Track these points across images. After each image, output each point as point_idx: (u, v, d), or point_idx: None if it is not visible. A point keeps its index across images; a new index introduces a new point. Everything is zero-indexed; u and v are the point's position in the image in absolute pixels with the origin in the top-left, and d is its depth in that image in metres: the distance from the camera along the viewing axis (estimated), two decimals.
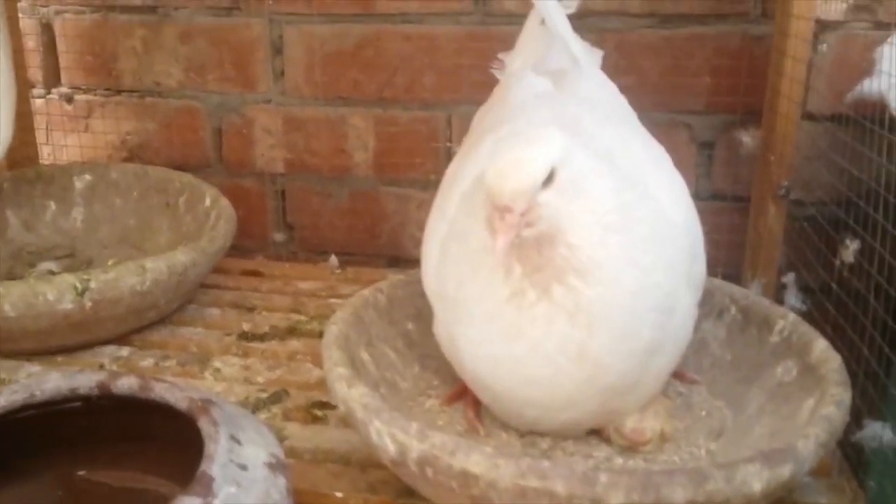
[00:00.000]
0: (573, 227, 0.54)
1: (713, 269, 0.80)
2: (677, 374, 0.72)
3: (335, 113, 1.12)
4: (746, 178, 1.02)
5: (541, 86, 0.74)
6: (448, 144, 1.10)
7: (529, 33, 0.84)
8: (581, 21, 1.00)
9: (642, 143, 0.69)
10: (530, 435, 0.66)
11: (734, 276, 0.96)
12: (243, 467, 0.47)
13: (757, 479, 0.46)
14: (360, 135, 1.13)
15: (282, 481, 0.48)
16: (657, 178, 0.63)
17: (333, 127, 1.13)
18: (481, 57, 1.04)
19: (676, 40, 1.02)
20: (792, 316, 0.67)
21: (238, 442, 0.49)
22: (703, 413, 0.68)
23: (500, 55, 0.89)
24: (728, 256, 1.02)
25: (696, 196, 1.03)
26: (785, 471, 0.47)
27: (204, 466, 0.45)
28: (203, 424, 0.50)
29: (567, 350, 0.56)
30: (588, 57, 0.81)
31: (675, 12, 1.01)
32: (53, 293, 0.75)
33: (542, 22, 0.80)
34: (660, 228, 0.59)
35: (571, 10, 0.83)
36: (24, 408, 0.53)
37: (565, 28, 0.79)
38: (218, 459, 0.46)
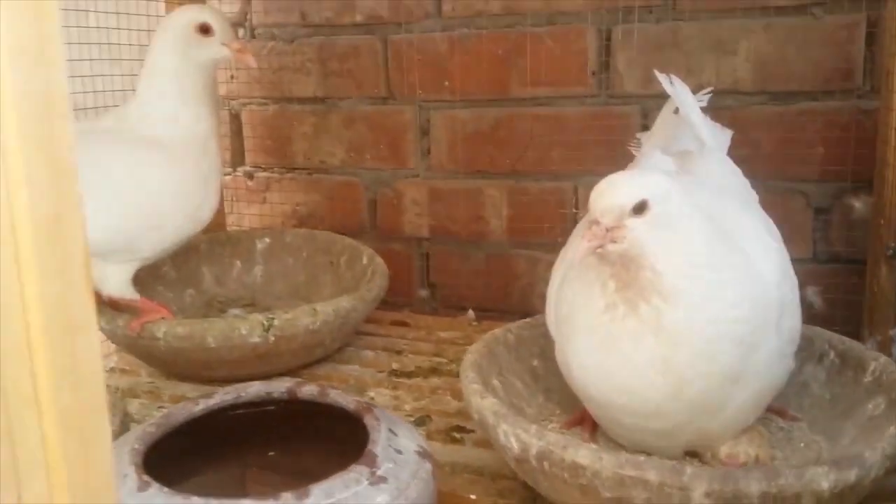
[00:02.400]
0: (658, 256, 0.64)
1: (832, 326, 0.87)
2: (780, 412, 0.80)
3: (473, 185, 1.27)
4: (862, 242, 1.07)
5: (665, 164, 0.83)
6: (574, 211, 1.22)
7: (664, 118, 0.94)
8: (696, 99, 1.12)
9: (749, 215, 0.77)
10: None
11: (854, 335, 1.00)
12: (398, 451, 0.60)
13: (825, 479, 0.54)
14: (495, 204, 1.27)
15: (428, 466, 0.61)
16: (755, 244, 0.72)
17: (471, 197, 1.28)
18: (604, 132, 1.17)
19: (788, 115, 1.10)
20: (883, 358, 0.74)
21: (395, 434, 0.62)
22: (802, 445, 0.75)
23: (637, 135, 1.00)
24: (847, 315, 1.07)
25: (815, 259, 1.11)
26: (851, 475, 0.54)
27: (370, 447, 0.59)
28: (368, 420, 0.63)
29: (654, 364, 0.65)
30: (717, 139, 0.89)
31: (786, 89, 1.09)
32: (246, 328, 0.92)
33: (676, 111, 0.90)
34: (748, 277, 0.67)
35: (703, 104, 0.92)
36: (233, 406, 0.69)
37: (696, 115, 0.87)
38: (380, 443, 0.59)
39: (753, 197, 0.84)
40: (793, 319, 0.72)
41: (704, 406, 0.67)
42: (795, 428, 0.78)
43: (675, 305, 0.64)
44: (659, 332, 0.64)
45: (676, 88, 0.86)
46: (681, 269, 0.64)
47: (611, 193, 0.65)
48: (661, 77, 0.85)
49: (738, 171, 0.86)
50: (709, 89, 0.95)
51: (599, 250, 0.65)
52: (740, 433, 0.71)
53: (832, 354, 0.80)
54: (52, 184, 0.32)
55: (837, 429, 0.74)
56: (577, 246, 0.65)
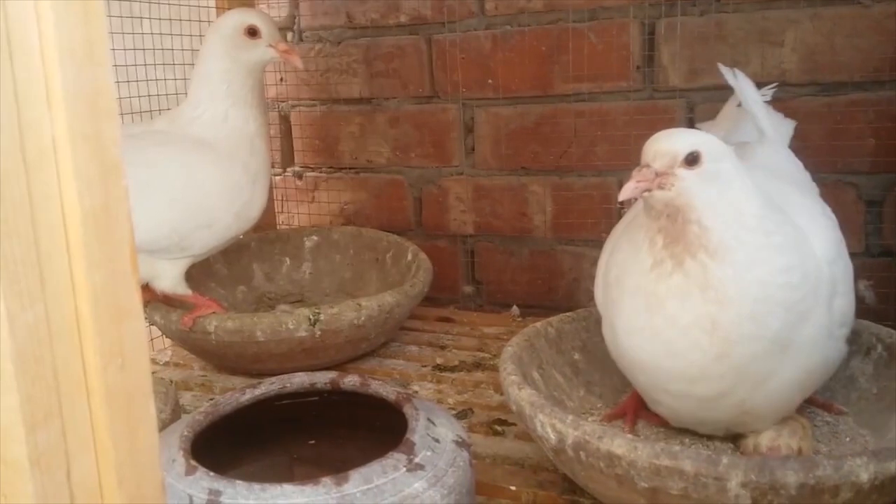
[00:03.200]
0: (706, 210, 0.65)
1: (885, 320, 0.86)
2: (826, 406, 0.79)
3: (517, 181, 1.28)
4: None
5: None
6: (618, 206, 1.22)
7: (727, 111, 0.94)
8: None
9: (805, 198, 0.77)
10: None
11: None
12: (436, 440, 0.61)
13: (864, 471, 0.53)
14: (539, 200, 1.27)
15: (465, 455, 0.62)
16: (809, 221, 0.72)
17: (516, 194, 1.29)
18: (649, 127, 1.15)
19: (837, 106, 1.08)
20: None
21: (433, 423, 0.63)
22: (848, 439, 0.74)
23: (698, 125, 0.99)
24: None
25: (867, 252, 1.09)
26: (892, 466, 0.53)
27: (408, 435, 0.60)
28: (407, 409, 0.65)
29: (701, 323, 0.65)
30: (779, 131, 0.89)
31: (834, 80, 1.07)
32: (293, 323, 0.95)
33: (739, 105, 0.90)
34: (800, 248, 0.67)
35: (767, 98, 0.92)
36: (278, 396, 0.71)
37: (759, 107, 0.87)
38: (418, 432, 0.61)
39: (814, 189, 0.84)
40: (844, 300, 0.71)
41: (750, 372, 0.66)
42: (841, 422, 0.77)
43: (722, 262, 0.64)
44: (706, 289, 0.64)
45: (739, 81, 0.86)
46: (729, 227, 0.65)
47: (666, 139, 0.66)
48: (725, 70, 0.86)
49: (799, 164, 0.86)
50: (774, 84, 0.95)
51: (647, 194, 0.65)
52: (783, 424, 0.71)
53: (879, 348, 0.79)
54: (99, 178, 0.34)
55: (884, 422, 0.72)
56: (625, 186, 0.65)
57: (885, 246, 1.09)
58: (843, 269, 0.72)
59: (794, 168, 0.85)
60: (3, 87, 0.31)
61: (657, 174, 0.65)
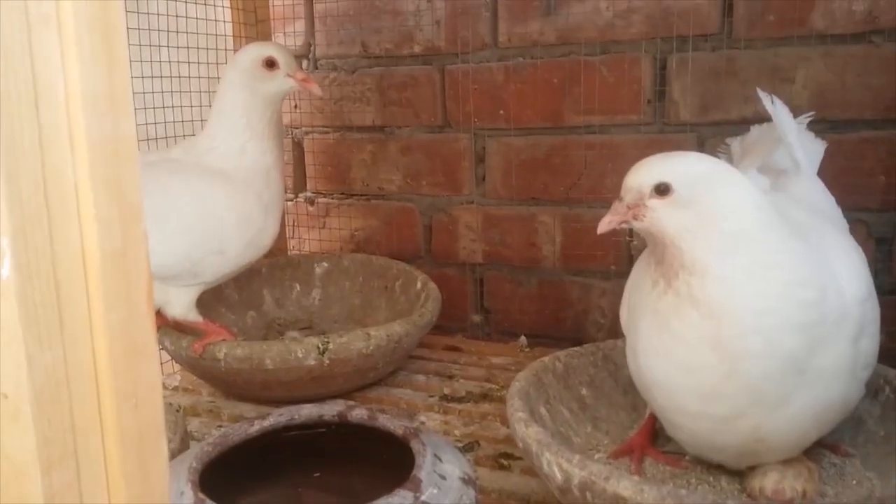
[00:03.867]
0: (681, 233, 0.66)
1: (894, 362, 0.85)
2: (833, 447, 0.78)
3: (527, 211, 1.29)
4: None
5: (762, 183, 0.83)
6: (628, 239, 1.22)
7: (762, 137, 0.94)
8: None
9: (837, 234, 0.77)
10: None
11: None
12: (443, 477, 0.62)
13: None
14: (548, 230, 1.28)
15: (472, 493, 0.62)
16: (841, 257, 0.72)
17: (525, 224, 1.29)
18: None
19: (848, 143, 1.08)
20: None
21: (440, 460, 0.64)
22: (854, 482, 0.74)
23: (727, 140, 1.00)
24: None
25: (878, 290, 1.08)
26: None
27: (415, 472, 0.60)
28: (414, 445, 0.65)
29: (705, 339, 0.66)
30: (811, 157, 0.90)
31: (845, 117, 1.08)
32: (302, 351, 0.95)
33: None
34: (816, 268, 0.67)
35: (804, 126, 0.93)
36: (287, 428, 0.72)
37: (793, 137, 0.88)
38: (425, 468, 0.61)
39: (845, 225, 0.84)
40: (870, 341, 0.71)
41: (763, 394, 0.66)
42: (848, 464, 0.77)
43: (704, 278, 0.66)
44: (699, 306, 0.66)
45: (777, 109, 0.87)
46: (708, 244, 0.66)
47: (634, 173, 0.69)
48: (764, 96, 0.87)
49: (831, 198, 0.87)
50: (810, 113, 0.95)
51: (625, 225, 0.69)
52: (788, 466, 0.70)
53: (887, 390, 0.78)
54: (119, 222, 0.35)
55: (891, 466, 0.72)
56: (602, 220, 0.70)
57: (894, 284, 1.09)
58: (871, 309, 0.72)
59: (826, 203, 0.86)
60: (28, 134, 0.32)
61: (629, 207, 0.68)
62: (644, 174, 0.68)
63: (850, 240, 0.78)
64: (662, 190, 0.67)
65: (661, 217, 0.67)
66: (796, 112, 1.09)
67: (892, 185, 1.07)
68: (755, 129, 0.97)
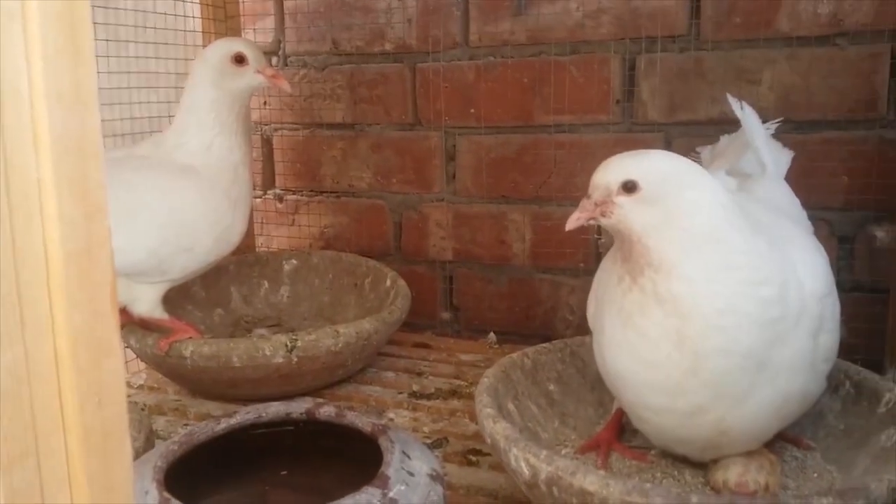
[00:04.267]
0: (647, 231, 0.67)
1: (854, 356, 0.87)
2: (795, 440, 0.80)
3: (497, 209, 1.29)
4: (885, 271, 1.07)
5: (729, 183, 0.84)
6: (596, 237, 1.23)
7: (731, 142, 0.96)
8: (719, 128, 1.13)
9: (797, 231, 0.79)
10: None
11: (877, 364, 1.00)
12: (411, 474, 0.62)
13: None
14: (518, 228, 1.28)
15: (440, 489, 0.62)
16: (802, 255, 0.73)
17: (495, 221, 1.30)
18: None
19: (812, 144, 1.10)
20: None
21: (408, 456, 0.64)
22: (815, 475, 0.75)
23: (697, 148, 1.01)
24: (870, 345, 1.06)
25: (839, 287, 1.10)
26: None
27: (383, 469, 0.61)
28: (382, 442, 0.65)
29: (668, 336, 0.67)
30: (778, 163, 0.92)
31: (809, 118, 1.10)
32: (270, 349, 0.95)
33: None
34: (778, 267, 0.68)
35: (771, 132, 0.95)
36: (254, 426, 0.71)
37: (761, 142, 0.90)
38: (393, 465, 0.61)
39: (809, 227, 0.86)
40: (830, 336, 0.73)
41: (725, 389, 0.67)
42: (809, 457, 0.78)
43: (668, 276, 0.66)
44: (663, 303, 0.67)
45: (746, 115, 0.89)
46: (673, 243, 0.67)
47: (602, 170, 0.70)
48: (733, 101, 0.88)
49: (797, 201, 0.89)
50: (778, 119, 0.97)
51: (592, 222, 0.70)
52: (750, 459, 0.72)
53: (847, 384, 0.80)
54: (83, 220, 0.35)
55: (851, 459, 0.74)
56: (570, 217, 0.71)
57: (855, 282, 1.11)
58: (831, 306, 0.74)
59: (791, 204, 0.88)
60: None
61: (597, 204, 0.69)
62: (612, 171, 0.69)
63: (812, 239, 0.80)
64: (630, 187, 0.68)
65: (627, 214, 0.68)
66: (762, 113, 1.11)
67: (854, 185, 1.09)
68: (724, 139, 0.98)
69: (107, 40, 1.11)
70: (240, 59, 1.03)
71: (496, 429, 0.68)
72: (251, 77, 1.04)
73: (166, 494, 0.56)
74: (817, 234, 1.10)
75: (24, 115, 0.33)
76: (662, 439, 0.76)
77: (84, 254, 0.35)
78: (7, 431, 0.33)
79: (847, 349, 1.01)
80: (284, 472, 0.72)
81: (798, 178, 1.10)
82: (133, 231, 0.94)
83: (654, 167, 0.69)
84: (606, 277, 0.75)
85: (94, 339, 0.36)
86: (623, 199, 0.68)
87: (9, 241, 0.32)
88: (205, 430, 0.68)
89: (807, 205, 1.10)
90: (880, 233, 1.07)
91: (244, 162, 1.06)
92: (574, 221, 0.71)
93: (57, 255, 0.34)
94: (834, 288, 0.75)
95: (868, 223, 1.09)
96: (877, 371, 0.86)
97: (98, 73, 0.37)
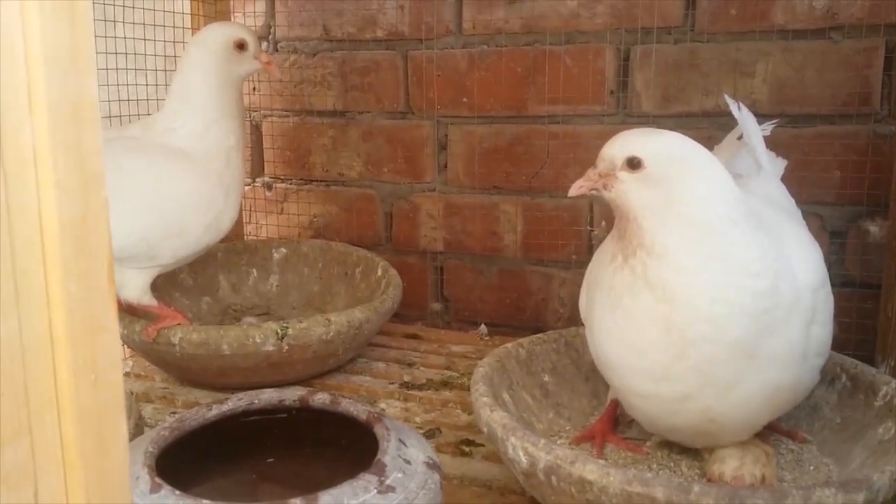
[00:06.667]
0: (644, 211, 0.67)
1: (845, 350, 0.87)
2: (790, 433, 0.80)
3: (489, 200, 1.28)
4: (877, 266, 1.07)
5: None
6: (589, 228, 1.23)
7: (728, 142, 0.96)
8: (713, 120, 1.12)
9: (793, 224, 0.79)
10: None
11: (867, 360, 0.99)
12: (407, 462, 0.61)
13: (832, 501, 0.54)
14: (509, 219, 1.27)
15: (436, 477, 0.61)
16: (797, 248, 0.73)
17: (487, 212, 1.29)
18: None
19: (805, 137, 1.10)
20: (894, 382, 0.74)
21: (404, 444, 0.63)
22: (812, 468, 0.75)
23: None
24: (861, 340, 1.06)
25: (832, 282, 1.10)
26: (859, 497, 0.54)
27: (379, 456, 0.59)
28: (378, 430, 0.64)
29: (657, 321, 0.66)
30: (773, 166, 0.92)
31: (803, 112, 1.10)
32: (260, 336, 0.93)
33: (740, 137, 0.92)
34: (773, 260, 0.68)
35: (766, 133, 0.94)
36: (246, 413, 0.70)
37: (757, 141, 0.89)
38: (390, 453, 0.60)
39: (803, 222, 0.85)
40: (823, 329, 0.72)
41: (713, 377, 0.67)
42: (805, 450, 0.78)
43: (660, 261, 0.66)
44: (653, 288, 0.66)
45: (742, 114, 0.88)
46: (670, 228, 0.66)
47: (611, 143, 0.70)
48: (730, 102, 0.88)
49: (791, 199, 0.88)
50: (775, 121, 0.97)
51: (594, 191, 0.70)
52: (746, 452, 0.71)
53: (844, 378, 0.80)
54: (79, 188, 0.34)
55: (847, 452, 0.74)
56: (574, 183, 0.71)
57: (847, 276, 1.11)
58: (824, 298, 0.73)
59: (786, 199, 0.87)
60: None
61: (600, 176, 0.69)
62: (619, 146, 0.69)
63: (807, 232, 0.80)
64: (634, 164, 0.67)
65: (627, 190, 0.68)
66: (756, 106, 1.11)
67: (846, 179, 1.09)
68: (724, 141, 0.98)
69: (95, 20, 1.09)
70: (241, 46, 1.03)
71: (493, 417, 0.67)
72: (250, 63, 1.05)
73: (158, 480, 0.55)
74: (809, 229, 1.11)
75: (19, 76, 0.31)
76: (652, 426, 0.76)
77: (80, 222, 0.33)
78: (1, 409, 0.31)
79: (839, 344, 1.01)
80: (276, 460, 0.70)
81: (791, 173, 1.10)
82: (122, 214, 0.92)
83: (663, 148, 0.68)
84: (600, 258, 0.75)
85: (90, 312, 0.34)
86: (625, 175, 0.67)
87: (3, 209, 0.31)
88: (196, 416, 0.67)
89: (799, 199, 1.10)
90: (873, 228, 1.08)
91: (238, 147, 1.04)
92: (576, 189, 0.71)
93: (52, 224, 0.32)
94: (828, 281, 0.75)
95: (860, 218, 1.09)
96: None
97: None
